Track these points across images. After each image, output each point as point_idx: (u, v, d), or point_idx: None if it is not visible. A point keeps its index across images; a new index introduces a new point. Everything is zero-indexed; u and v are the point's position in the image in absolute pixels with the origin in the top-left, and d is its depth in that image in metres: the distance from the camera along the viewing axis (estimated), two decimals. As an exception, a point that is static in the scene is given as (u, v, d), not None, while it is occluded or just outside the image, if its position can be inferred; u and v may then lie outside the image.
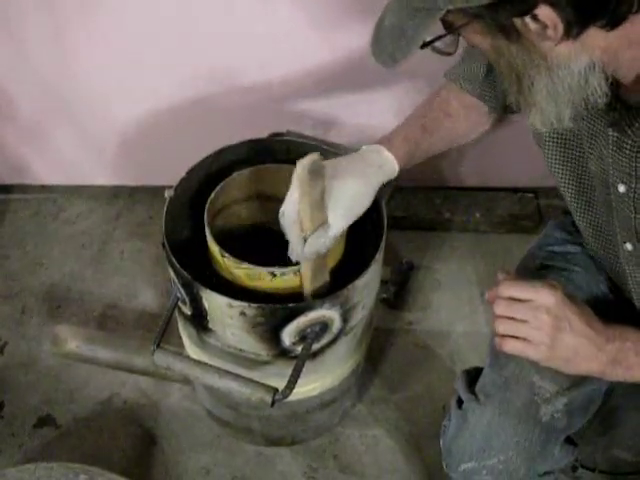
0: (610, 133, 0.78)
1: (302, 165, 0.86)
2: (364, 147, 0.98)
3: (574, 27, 0.66)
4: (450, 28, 0.72)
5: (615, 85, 0.74)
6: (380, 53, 0.76)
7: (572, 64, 0.69)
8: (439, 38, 0.73)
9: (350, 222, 0.94)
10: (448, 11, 0.68)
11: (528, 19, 0.66)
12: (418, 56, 1.03)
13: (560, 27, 0.65)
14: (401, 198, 1.69)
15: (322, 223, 0.91)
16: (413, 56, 0.75)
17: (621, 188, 0.81)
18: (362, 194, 0.94)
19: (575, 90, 0.71)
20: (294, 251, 0.94)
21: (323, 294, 1.01)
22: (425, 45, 0.73)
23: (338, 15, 1.31)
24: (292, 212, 0.91)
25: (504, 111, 1.04)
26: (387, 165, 0.97)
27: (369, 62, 1.39)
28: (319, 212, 0.91)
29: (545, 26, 0.66)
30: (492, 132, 1.56)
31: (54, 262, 1.65)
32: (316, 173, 0.87)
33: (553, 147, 0.91)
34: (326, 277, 1.02)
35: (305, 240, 0.92)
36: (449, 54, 0.79)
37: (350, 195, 0.92)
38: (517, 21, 0.67)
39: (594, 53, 0.69)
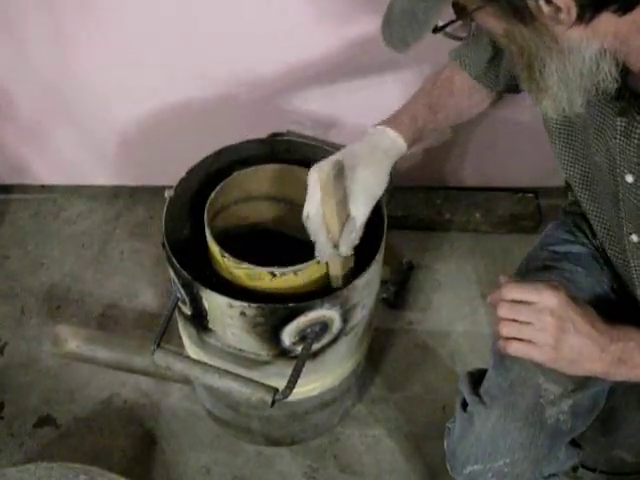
0: (618, 122, 0.78)
1: (324, 171, 0.87)
2: (370, 129, 0.99)
3: (587, 11, 0.66)
4: (463, 12, 0.72)
5: (624, 73, 0.74)
6: (391, 37, 0.75)
7: (583, 49, 0.69)
8: (452, 22, 0.73)
9: (371, 207, 0.95)
10: None
11: (542, 2, 0.66)
12: (421, 54, 1.03)
13: (573, 11, 0.65)
14: (401, 198, 1.68)
15: (346, 218, 0.93)
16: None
17: (629, 178, 0.81)
18: (377, 180, 0.95)
19: (586, 75, 0.71)
20: (323, 252, 0.95)
21: (347, 281, 1.02)
22: (437, 30, 0.73)
23: (340, 11, 1.30)
24: (317, 215, 0.92)
25: (504, 92, 1.06)
26: (395, 145, 0.98)
27: (370, 61, 1.39)
28: (344, 210, 0.92)
29: (558, 9, 0.65)
30: (492, 132, 1.57)
31: (54, 262, 1.65)
32: (339, 175, 0.89)
33: (558, 138, 0.91)
34: (351, 263, 1.03)
35: (334, 241, 0.93)
36: (460, 39, 0.79)
37: (366, 184, 0.93)
38: (531, 3, 0.67)
39: (605, 39, 0.69)
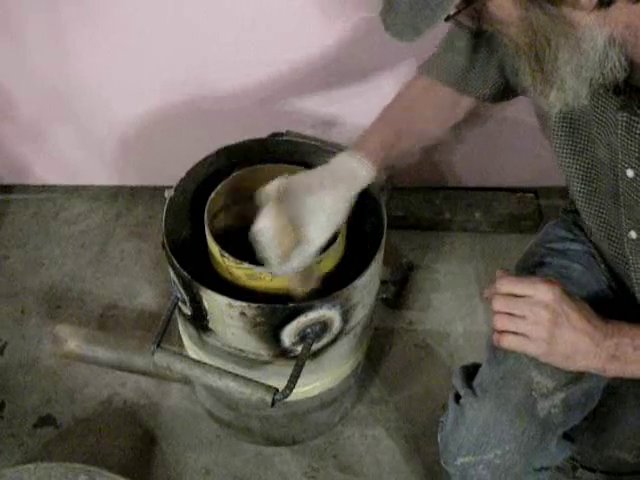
0: (620, 117, 0.78)
1: (273, 186, 0.88)
2: (338, 156, 0.97)
3: None
4: None
5: (627, 66, 0.73)
6: (395, 25, 0.72)
7: (595, 37, 0.69)
8: (466, 7, 0.70)
9: (328, 237, 0.93)
10: None
11: None
12: (422, 51, 1.03)
13: None
14: (401, 198, 1.69)
15: (299, 240, 0.92)
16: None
17: (629, 173, 0.81)
18: (337, 208, 0.93)
19: (596, 66, 0.71)
20: (273, 267, 0.94)
21: (316, 295, 1.01)
22: (449, 17, 0.70)
23: (340, 11, 1.31)
24: (269, 230, 0.91)
25: (492, 99, 1.03)
26: (362, 174, 0.96)
27: (369, 60, 1.39)
28: (295, 229, 0.91)
29: None
30: (492, 132, 1.57)
31: (54, 262, 1.65)
32: (286, 193, 0.89)
33: (562, 135, 0.90)
34: (315, 283, 1.01)
35: (284, 258, 0.92)
36: (471, 28, 0.77)
37: (325, 210, 0.92)
38: None
39: (616, 27, 0.68)
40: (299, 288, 1.00)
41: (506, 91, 1.00)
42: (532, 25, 0.70)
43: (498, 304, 0.79)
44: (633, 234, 0.87)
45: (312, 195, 0.92)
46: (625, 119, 0.78)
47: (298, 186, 0.92)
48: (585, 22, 0.68)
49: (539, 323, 0.77)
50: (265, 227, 0.91)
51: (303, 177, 0.95)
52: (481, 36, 0.94)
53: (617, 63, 0.70)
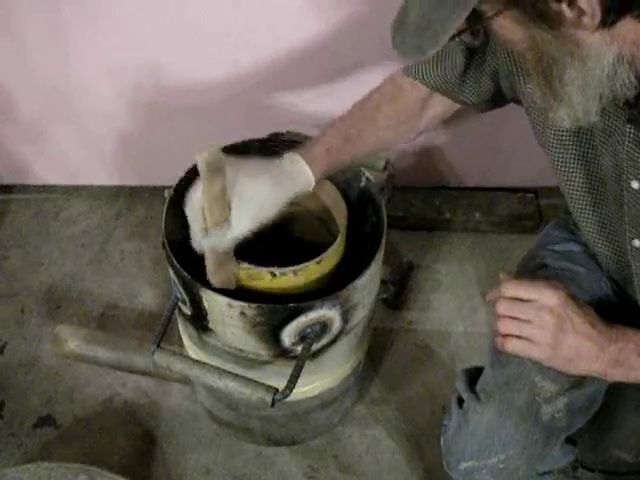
0: (628, 129, 0.78)
1: (201, 158, 0.84)
2: (285, 155, 0.96)
3: (611, 15, 0.65)
4: (479, 18, 0.70)
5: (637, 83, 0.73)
6: (404, 44, 0.72)
7: (602, 55, 0.68)
8: (470, 28, 0.71)
9: (253, 227, 0.91)
10: (481, 0, 0.66)
11: (564, 6, 0.64)
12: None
13: (598, 14, 0.64)
14: (401, 198, 1.69)
15: (225, 220, 0.90)
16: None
17: (635, 184, 0.81)
18: (270, 202, 0.91)
19: (604, 83, 0.70)
20: (194, 240, 0.92)
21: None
22: (453, 37, 0.70)
23: (342, 10, 1.31)
24: (197, 201, 0.90)
25: (483, 106, 1.03)
26: (301, 177, 0.95)
27: (370, 59, 1.39)
28: (220, 208, 0.89)
29: (582, 13, 0.64)
30: (492, 132, 1.57)
31: (54, 262, 1.65)
32: (215, 167, 0.86)
33: (563, 145, 0.90)
34: (230, 281, 1.00)
35: (206, 232, 0.91)
36: (475, 46, 0.77)
37: (258, 200, 0.90)
38: (554, 7, 0.65)
39: (624, 45, 0.68)
40: (213, 279, 0.98)
41: (497, 98, 1.00)
42: (537, 44, 0.71)
43: (502, 308, 0.79)
44: (637, 242, 0.87)
45: (249, 182, 0.90)
46: (633, 131, 0.77)
47: (240, 168, 0.91)
48: (591, 41, 0.68)
49: (544, 327, 0.77)
50: (193, 198, 0.90)
51: (249, 162, 0.93)
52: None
53: (626, 80, 0.70)
